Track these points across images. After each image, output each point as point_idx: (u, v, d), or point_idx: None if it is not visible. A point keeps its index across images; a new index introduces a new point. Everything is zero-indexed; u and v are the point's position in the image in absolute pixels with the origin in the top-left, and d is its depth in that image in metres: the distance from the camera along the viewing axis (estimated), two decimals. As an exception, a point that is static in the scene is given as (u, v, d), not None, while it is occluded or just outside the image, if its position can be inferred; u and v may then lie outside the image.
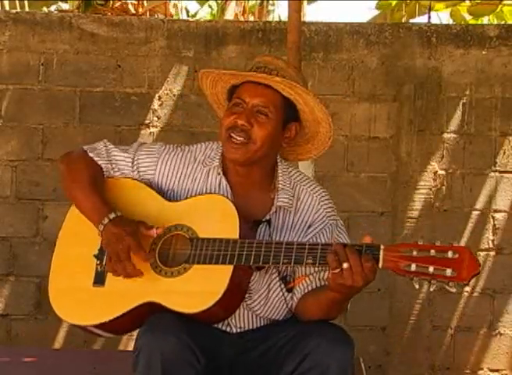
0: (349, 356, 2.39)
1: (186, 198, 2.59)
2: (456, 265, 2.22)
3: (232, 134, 2.52)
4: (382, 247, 2.30)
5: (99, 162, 2.67)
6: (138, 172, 2.66)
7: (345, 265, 2.27)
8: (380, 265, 2.30)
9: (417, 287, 2.27)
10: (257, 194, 2.59)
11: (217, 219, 2.49)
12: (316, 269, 2.52)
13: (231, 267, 2.41)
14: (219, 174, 2.59)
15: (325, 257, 2.32)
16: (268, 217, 2.55)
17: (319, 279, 2.53)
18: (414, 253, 2.27)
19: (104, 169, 2.67)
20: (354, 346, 2.42)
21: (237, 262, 2.40)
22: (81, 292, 2.55)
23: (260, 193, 2.60)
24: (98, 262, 2.54)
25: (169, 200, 2.60)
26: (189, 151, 2.67)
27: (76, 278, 2.57)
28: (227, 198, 2.53)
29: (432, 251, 2.25)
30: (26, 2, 6.77)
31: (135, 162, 2.66)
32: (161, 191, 2.63)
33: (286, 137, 2.61)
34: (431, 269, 2.24)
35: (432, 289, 2.26)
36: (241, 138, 2.51)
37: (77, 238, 2.61)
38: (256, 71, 2.57)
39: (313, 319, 2.48)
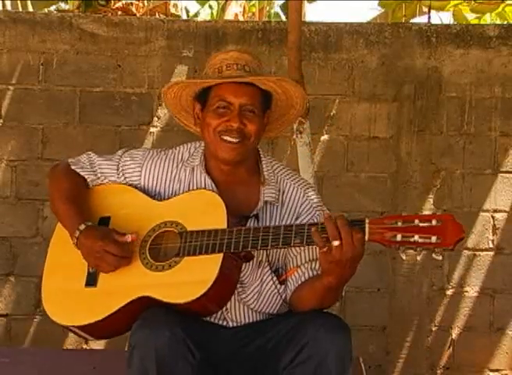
0: (347, 344, 2.40)
1: (174, 196, 2.63)
2: (440, 231, 2.25)
3: (226, 137, 2.56)
4: (366, 220, 2.32)
5: (82, 174, 2.71)
6: (125, 178, 2.70)
7: (335, 242, 2.29)
8: (366, 237, 2.31)
9: (404, 257, 2.30)
10: (242, 190, 2.63)
11: (204, 212, 2.52)
12: (307, 259, 2.54)
13: (220, 257, 2.43)
14: (202, 173, 2.63)
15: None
16: (255, 212, 2.58)
17: (311, 269, 2.55)
18: (399, 224, 2.28)
19: (88, 180, 2.71)
20: (351, 334, 2.42)
21: (226, 249, 2.43)
22: (74, 294, 2.57)
23: (245, 188, 2.63)
24: (90, 266, 2.56)
25: (157, 200, 2.64)
26: (172, 153, 2.72)
27: (69, 281, 2.59)
28: (213, 191, 2.57)
29: (417, 221, 2.27)
30: (28, 2, 6.79)
31: (120, 169, 2.70)
32: (148, 194, 2.66)
33: (264, 126, 2.66)
34: (416, 237, 2.25)
35: (418, 258, 2.28)
36: (238, 139, 2.56)
37: (68, 243, 2.62)
38: (228, 69, 2.59)
39: (308, 308, 2.49)
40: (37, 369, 3.53)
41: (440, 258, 2.27)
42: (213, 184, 2.61)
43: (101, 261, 2.50)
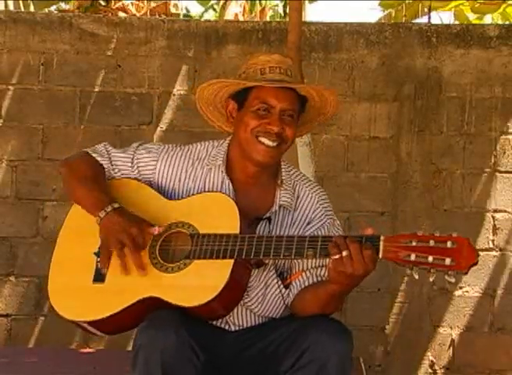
0: (348, 349, 2.39)
1: (188, 196, 2.61)
2: (455, 254, 2.24)
3: (264, 139, 2.55)
4: (381, 237, 2.31)
5: (101, 162, 2.68)
6: (138, 172, 2.67)
7: (345, 252, 2.29)
8: (380, 255, 2.30)
9: (416, 277, 2.27)
10: (258, 192, 2.62)
11: (217, 215, 2.51)
12: (313, 264, 2.54)
13: (231, 262, 2.42)
14: (223, 173, 2.61)
15: (326, 249, 2.33)
16: (268, 215, 2.58)
17: (316, 275, 2.54)
18: (414, 243, 2.27)
19: (106, 169, 2.68)
20: (353, 339, 2.42)
21: (238, 256, 2.42)
22: (81, 289, 2.55)
23: (261, 190, 2.62)
24: (99, 260, 2.54)
25: (170, 199, 2.62)
26: (189, 150, 2.69)
27: (76, 275, 2.57)
28: (227, 195, 2.55)
29: (431, 242, 2.26)
30: (30, 2, 6.80)
31: (134, 162, 2.67)
32: (161, 191, 2.64)
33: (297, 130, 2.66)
34: (430, 258, 2.25)
35: (431, 279, 2.26)
36: (276, 142, 2.55)
37: (77, 237, 2.62)
38: (272, 72, 2.59)
39: (309, 314, 2.48)
40: (37, 369, 3.54)
41: (453, 280, 2.25)
42: (231, 185, 2.60)
43: (119, 242, 2.46)
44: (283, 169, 2.66)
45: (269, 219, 2.57)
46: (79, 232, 2.62)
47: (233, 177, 2.61)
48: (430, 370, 4.60)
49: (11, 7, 6.77)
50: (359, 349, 3.46)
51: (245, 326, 2.57)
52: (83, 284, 2.55)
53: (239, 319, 2.57)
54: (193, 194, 2.60)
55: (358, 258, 2.28)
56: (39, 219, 4.63)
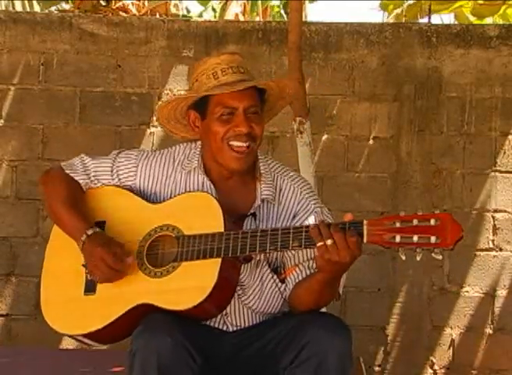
0: (347, 344, 2.39)
1: (170, 198, 2.60)
2: (439, 231, 2.23)
3: (236, 142, 2.53)
4: (365, 222, 2.30)
5: (76, 178, 2.68)
6: (119, 179, 2.67)
7: (329, 241, 2.28)
8: (365, 239, 2.29)
9: (403, 258, 2.27)
10: (239, 189, 2.61)
11: (201, 215, 2.50)
12: (305, 257, 2.53)
13: (219, 261, 2.42)
14: (201, 174, 2.61)
15: (311, 238, 2.33)
16: (252, 211, 2.57)
17: (309, 267, 2.53)
18: (398, 224, 2.27)
19: (82, 184, 2.68)
20: (351, 334, 2.41)
21: (224, 254, 2.42)
22: (73, 302, 2.55)
23: (242, 187, 2.61)
24: (87, 271, 2.54)
25: (152, 203, 2.61)
26: (168, 153, 2.69)
27: (67, 288, 2.57)
28: (209, 193, 2.54)
29: (415, 221, 2.25)
30: (34, 2, 6.81)
31: (114, 170, 2.67)
32: (143, 196, 2.64)
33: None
34: (415, 238, 2.24)
35: (418, 258, 2.25)
36: (247, 143, 2.53)
37: (65, 250, 2.61)
38: (225, 74, 2.57)
39: (306, 308, 2.49)
40: (36, 369, 3.54)
41: (440, 257, 2.25)
42: (212, 185, 2.59)
43: (96, 268, 2.48)
44: (261, 162, 2.63)
45: (254, 215, 2.56)
46: (65, 245, 2.61)
47: (212, 178, 2.61)
48: (430, 370, 4.60)
49: (18, 7, 6.78)
50: (359, 349, 3.46)
51: (243, 326, 2.57)
52: (74, 296, 2.55)
53: (237, 319, 2.57)
54: (175, 196, 2.59)
55: (343, 245, 2.28)
56: (39, 219, 4.63)
